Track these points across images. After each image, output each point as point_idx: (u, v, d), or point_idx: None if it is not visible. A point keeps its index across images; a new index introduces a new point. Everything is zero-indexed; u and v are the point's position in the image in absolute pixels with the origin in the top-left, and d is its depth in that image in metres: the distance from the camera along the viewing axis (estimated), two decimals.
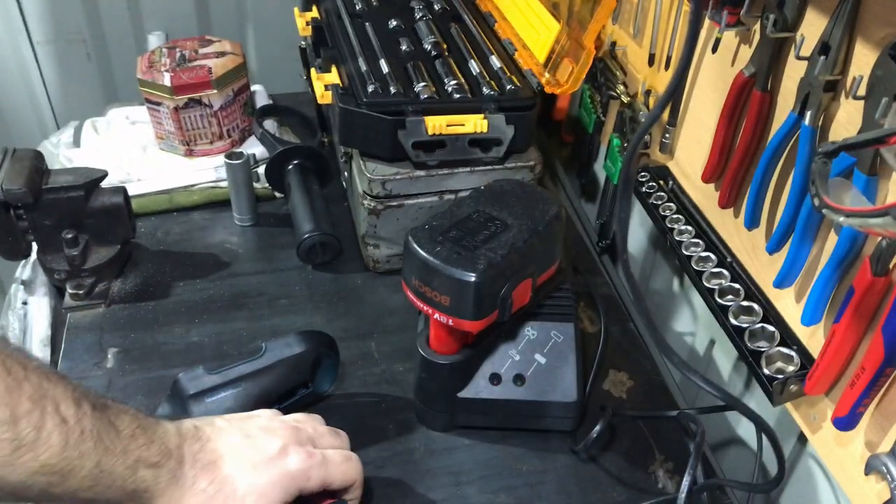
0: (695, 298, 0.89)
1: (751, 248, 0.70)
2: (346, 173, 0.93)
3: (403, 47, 0.91)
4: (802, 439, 0.70)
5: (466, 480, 0.69)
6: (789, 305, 0.65)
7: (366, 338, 0.82)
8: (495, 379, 0.69)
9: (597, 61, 0.94)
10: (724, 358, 0.84)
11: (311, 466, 0.57)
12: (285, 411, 0.70)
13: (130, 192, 0.86)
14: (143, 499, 0.50)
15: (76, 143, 1.07)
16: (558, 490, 0.68)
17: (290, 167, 0.95)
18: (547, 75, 0.86)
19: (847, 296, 0.54)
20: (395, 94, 0.81)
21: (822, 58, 0.56)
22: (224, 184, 0.97)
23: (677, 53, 0.79)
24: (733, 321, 0.67)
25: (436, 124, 0.79)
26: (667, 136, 0.83)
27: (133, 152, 1.04)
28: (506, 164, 0.84)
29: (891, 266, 0.52)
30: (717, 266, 0.73)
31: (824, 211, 0.45)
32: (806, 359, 0.63)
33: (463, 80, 0.85)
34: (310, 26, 0.99)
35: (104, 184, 0.83)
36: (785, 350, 0.64)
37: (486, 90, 0.83)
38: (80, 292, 0.83)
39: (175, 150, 1.04)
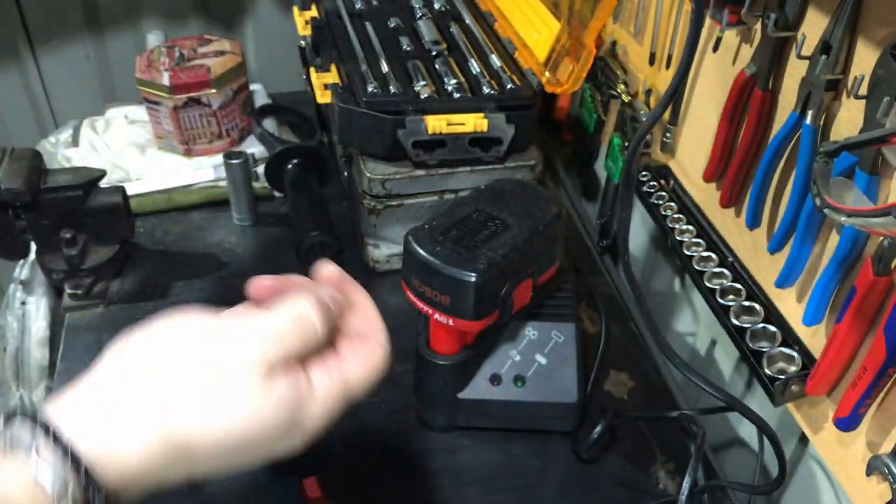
0: (696, 298, 0.89)
1: (752, 247, 0.70)
2: (345, 173, 0.93)
3: (403, 46, 0.91)
4: (804, 440, 0.70)
5: (466, 481, 0.68)
6: (791, 305, 0.65)
7: None
8: (496, 379, 0.69)
9: (597, 60, 0.94)
10: (726, 358, 0.83)
11: None
12: None
13: (129, 192, 0.86)
14: None
15: (75, 142, 1.07)
16: (559, 491, 0.68)
17: (290, 167, 0.95)
18: (547, 74, 0.85)
19: (849, 296, 0.54)
20: (394, 93, 0.81)
21: (824, 57, 0.56)
22: (223, 183, 0.97)
23: (678, 52, 0.79)
24: (735, 321, 0.67)
25: (436, 123, 0.79)
26: (668, 135, 0.82)
27: (132, 152, 1.04)
28: (506, 164, 0.83)
29: (893, 266, 0.51)
30: (718, 266, 0.73)
31: (826, 210, 0.45)
32: (807, 359, 0.62)
33: (463, 80, 0.84)
34: (309, 25, 0.99)
35: (103, 183, 0.83)
36: (786, 350, 0.63)
37: (486, 89, 0.83)
38: (79, 292, 0.83)
39: (174, 149, 1.04)
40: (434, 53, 0.90)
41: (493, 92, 0.83)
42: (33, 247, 0.84)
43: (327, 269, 0.49)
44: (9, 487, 0.34)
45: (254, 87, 1.14)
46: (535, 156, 0.85)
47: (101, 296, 0.84)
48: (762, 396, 0.64)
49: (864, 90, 0.52)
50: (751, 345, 0.65)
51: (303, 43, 1.04)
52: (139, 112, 1.09)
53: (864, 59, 0.53)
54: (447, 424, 0.72)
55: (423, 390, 0.71)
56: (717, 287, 0.70)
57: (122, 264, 0.88)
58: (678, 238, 0.77)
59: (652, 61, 0.85)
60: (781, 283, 0.64)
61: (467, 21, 0.99)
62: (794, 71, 0.61)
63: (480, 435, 0.72)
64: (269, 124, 1.09)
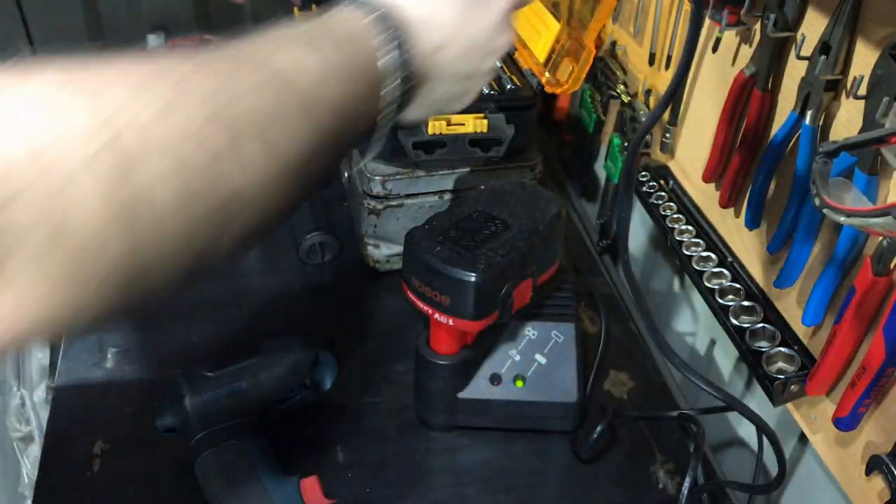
0: (695, 298, 0.89)
1: (752, 247, 0.70)
2: (346, 173, 0.93)
3: None
4: (803, 440, 0.70)
5: (466, 481, 0.68)
6: (790, 305, 0.65)
7: (366, 338, 0.82)
8: (495, 379, 0.69)
9: (597, 61, 0.94)
10: (725, 358, 0.83)
11: None
12: (285, 411, 0.70)
13: None
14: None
15: None
16: (558, 491, 0.68)
17: None
18: (547, 75, 0.85)
19: (848, 296, 0.54)
20: None
21: (823, 57, 0.56)
22: None
23: (678, 53, 0.79)
24: (734, 321, 0.67)
25: (436, 124, 0.79)
26: (667, 135, 0.82)
27: None
28: (506, 164, 0.84)
29: (892, 266, 0.52)
30: (717, 266, 0.73)
31: (825, 211, 0.45)
32: (807, 359, 0.63)
33: None
34: None
35: None
36: (786, 350, 0.64)
37: (485, 89, 0.83)
38: None
39: None
40: None
41: (492, 92, 0.83)
42: None
43: None
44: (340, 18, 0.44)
45: None
46: (535, 156, 0.85)
47: None
48: (762, 396, 0.64)
49: (863, 90, 0.53)
50: (750, 345, 0.65)
51: None
52: None
53: (864, 60, 0.54)
54: (447, 424, 0.72)
55: (423, 390, 0.71)
56: (716, 287, 0.71)
57: None
58: (678, 238, 0.77)
59: (651, 62, 0.85)
60: (781, 283, 0.64)
61: None
62: (794, 71, 0.61)
63: (480, 435, 0.72)
64: None
